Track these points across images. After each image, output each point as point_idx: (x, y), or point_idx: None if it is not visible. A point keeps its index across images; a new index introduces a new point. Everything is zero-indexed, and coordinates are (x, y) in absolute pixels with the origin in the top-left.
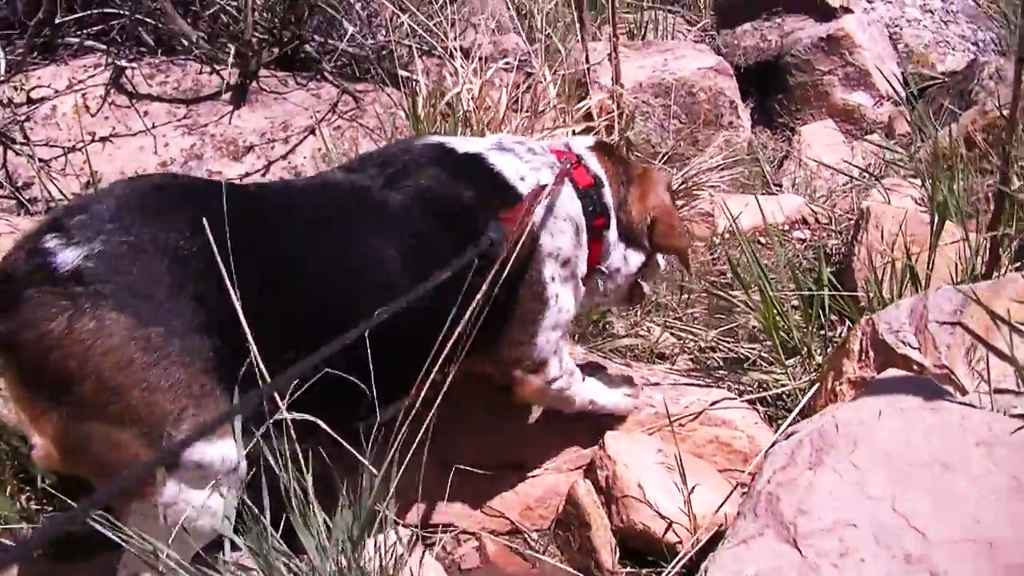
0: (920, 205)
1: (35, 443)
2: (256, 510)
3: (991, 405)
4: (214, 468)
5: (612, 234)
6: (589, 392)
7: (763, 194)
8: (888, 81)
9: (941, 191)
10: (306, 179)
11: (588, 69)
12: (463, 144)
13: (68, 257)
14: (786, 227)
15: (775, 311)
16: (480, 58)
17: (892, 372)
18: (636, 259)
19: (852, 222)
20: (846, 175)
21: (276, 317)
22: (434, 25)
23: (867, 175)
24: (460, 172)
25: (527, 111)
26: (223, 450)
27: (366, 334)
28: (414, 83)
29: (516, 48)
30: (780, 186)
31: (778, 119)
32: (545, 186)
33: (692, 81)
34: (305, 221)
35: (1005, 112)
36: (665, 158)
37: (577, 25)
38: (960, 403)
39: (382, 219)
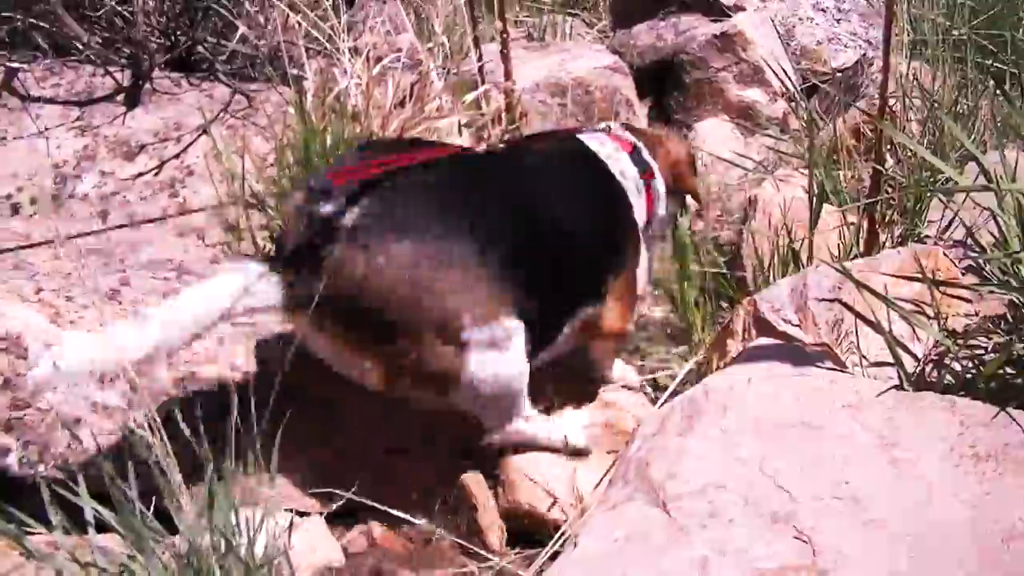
0: (808, 193)
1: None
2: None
3: (866, 377)
4: (507, 336)
5: (660, 185)
6: None
7: None
8: (780, 78)
9: (818, 176)
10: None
11: (481, 67)
12: None
13: (349, 215)
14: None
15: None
16: (371, 57)
17: (762, 341)
18: (670, 205)
19: (748, 197)
20: (740, 168)
21: (520, 243)
22: (328, 27)
23: (761, 168)
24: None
25: (414, 104)
26: (508, 322)
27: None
28: (304, 81)
29: (410, 47)
30: None
31: (675, 116)
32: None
33: (588, 80)
34: (524, 173)
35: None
36: None
37: (468, 25)
38: (829, 369)
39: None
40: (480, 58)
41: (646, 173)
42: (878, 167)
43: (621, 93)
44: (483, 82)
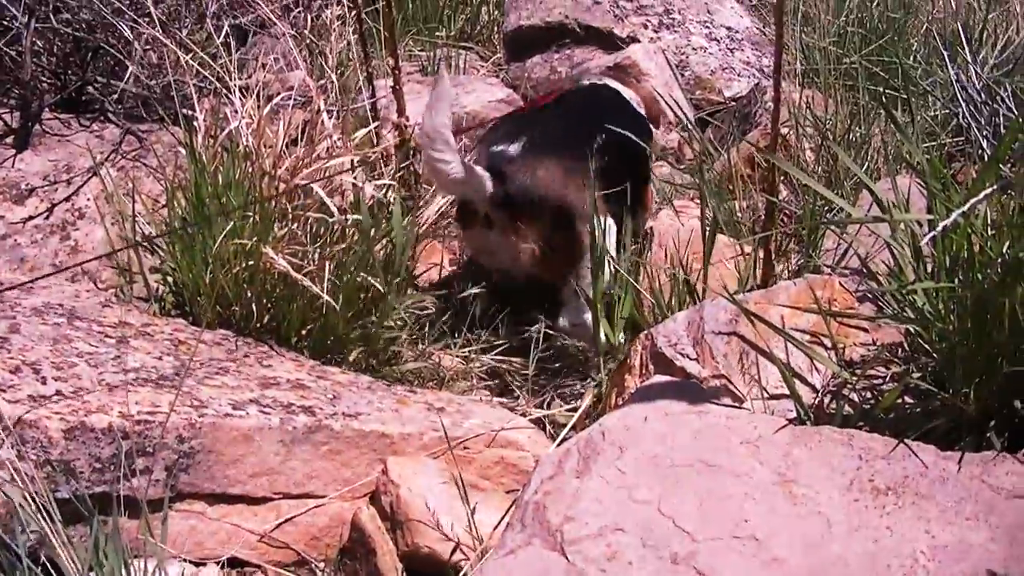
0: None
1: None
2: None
3: (765, 411)
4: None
5: None
6: None
7: None
8: (672, 109)
9: (712, 207)
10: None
11: (375, 103)
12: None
13: (512, 149)
14: None
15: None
16: (263, 95)
17: (659, 378)
18: None
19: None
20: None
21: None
22: (219, 65)
23: (657, 198)
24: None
25: (305, 143)
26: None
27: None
28: (194, 121)
29: (302, 84)
30: None
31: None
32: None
33: (483, 114)
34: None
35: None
36: None
37: (357, 61)
38: (727, 405)
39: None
40: (373, 94)
41: None
42: (771, 199)
43: None
44: (376, 118)
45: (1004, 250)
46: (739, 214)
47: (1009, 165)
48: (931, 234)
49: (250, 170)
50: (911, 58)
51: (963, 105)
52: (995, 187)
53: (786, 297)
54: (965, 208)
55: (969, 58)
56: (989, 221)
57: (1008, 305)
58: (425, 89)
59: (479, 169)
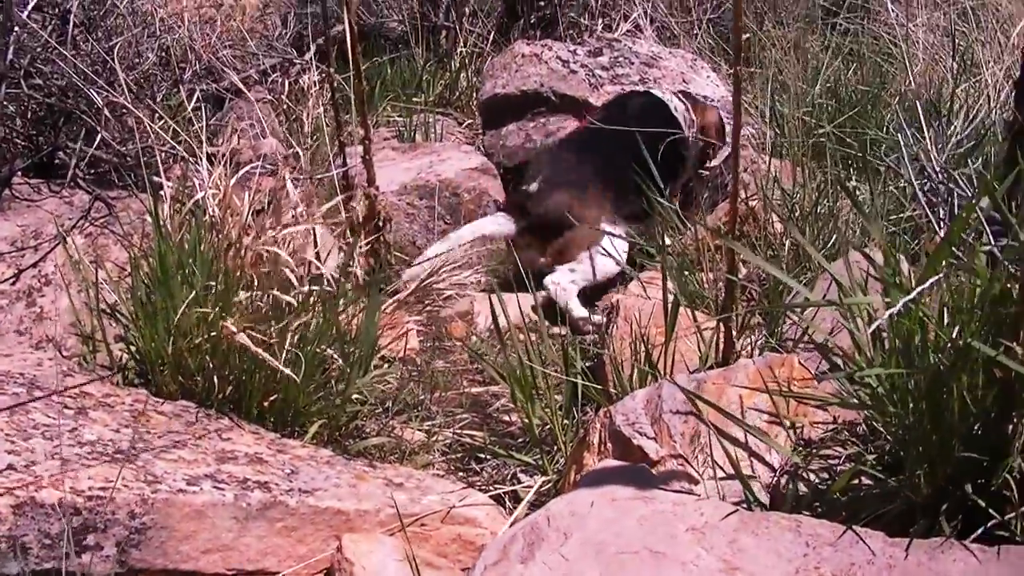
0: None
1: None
2: None
3: (719, 492)
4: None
5: None
6: None
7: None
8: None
9: (675, 283)
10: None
11: (346, 172)
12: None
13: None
14: (547, 323)
15: (530, 406)
16: (233, 163)
17: (607, 463)
18: None
19: (609, 305)
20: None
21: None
22: (191, 132)
23: (626, 269)
24: None
25: (272, 213)
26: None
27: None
28: (161, 189)
29: (274, 152)
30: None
31: None
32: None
33: (456, 182)
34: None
35: (752, 203)
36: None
37: (328, 128)
38: (676, 491)
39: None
40: (345, 163)
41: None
42: (731, 278)
43: (489, 195)
44: (348, 188)
45: (955, 335)
46: (706, 287)
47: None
48: (876, 323)
49: (215, 240)
50: (883, 129)
51: (919, 191)
52: (942, 274)
53: (745, 376)
54: (913, 295)
55: (930, 138)
56: (944, 302)
57: (960, 390)
58: (400, 156)
59: None
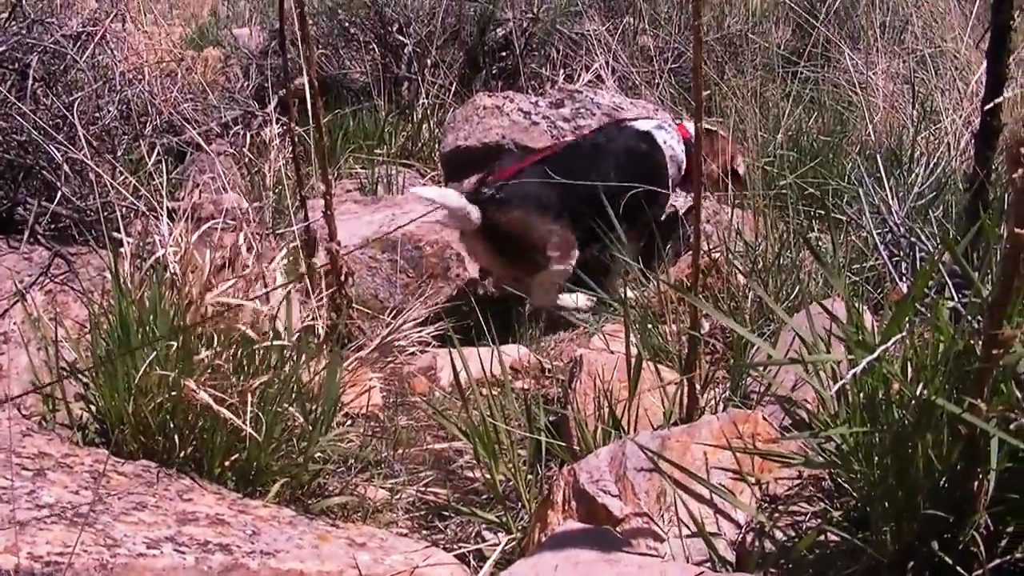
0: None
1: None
2: None
3: (684, 551)
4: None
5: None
6: None
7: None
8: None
9: (637, 337)
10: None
11: (308, 227)
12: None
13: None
14: (510, 377)
15: (493, 464)
16: (194, 218)
17: (571, 525)
18: None
19: (572, 359)
20: (569, 322)
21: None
22: (152, 186)
23: (589, 322)
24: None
25: (232, 270)
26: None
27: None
28: (122, 247)
29: (235, 207)
30: (502, 339)
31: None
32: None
33: (419, 235)
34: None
35: (715, 255)
36: (394, 312)
37: (290, 181)
38: (641, 553)
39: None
40: (307, 217)
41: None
42: (694, 333)
43: (451, 248)
44: (311, 242)
45: (919, 391)
46: (670, 340)
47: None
48: (840, 383)
49: (175, 298)
50: (844, 179)
51: (881, 244)
52: (904, 334)
53: (709, 432)
54: (876, 354)
55: (891, 188)
56: (908, 358)
57: (925, 447)
58: (362, 209)
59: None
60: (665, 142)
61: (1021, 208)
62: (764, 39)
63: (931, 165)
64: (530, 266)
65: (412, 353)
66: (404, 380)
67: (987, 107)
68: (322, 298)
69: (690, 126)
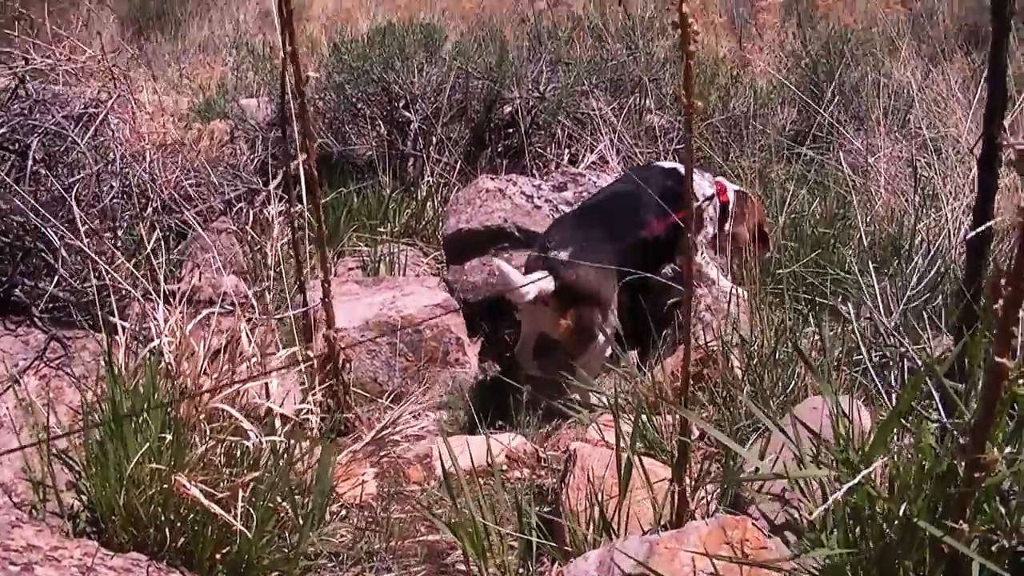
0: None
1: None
2: None
3: None
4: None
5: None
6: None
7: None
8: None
9: (626, 428)
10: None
11: (307, 311)
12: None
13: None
14: (505, 467)
15: (482, 563)
16: (193, 300)
17: None
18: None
19: (567, 452)
20: (563, 412)
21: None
22: (152, 267)
23: (583, 411)
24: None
25: (229, 358)
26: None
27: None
28: (117, 334)
29: (235, 290)
30: (499, 426)
31: (507, 353)
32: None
33: (419, 319)
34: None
35: (711, 346)
36: (391, 396)
37: (294, 269)
38: None
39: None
40: (305, 302)
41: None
42: (683, 439)
43: (451, 332)
44: (309, 327)
45: (903, 510)
46: (664, 433)
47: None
48: (823, 507)
49: (170, 386)
50: (844, 267)
51: (867, 355)
52: (888, 455)
53: (697, 539)
54: (859, 479)
55: (884, 290)
56: (893, 476)
57: (907, 566)
58: (363, 290)
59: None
60: (695, 181)
61: (1003, 338)
62: (769, 121)
63: (931, 254)
64: (589, 332)
65: (407, 439)
66: (399, 468)
67: (976, 230)
68: (318, 385)
69: (728, 185)
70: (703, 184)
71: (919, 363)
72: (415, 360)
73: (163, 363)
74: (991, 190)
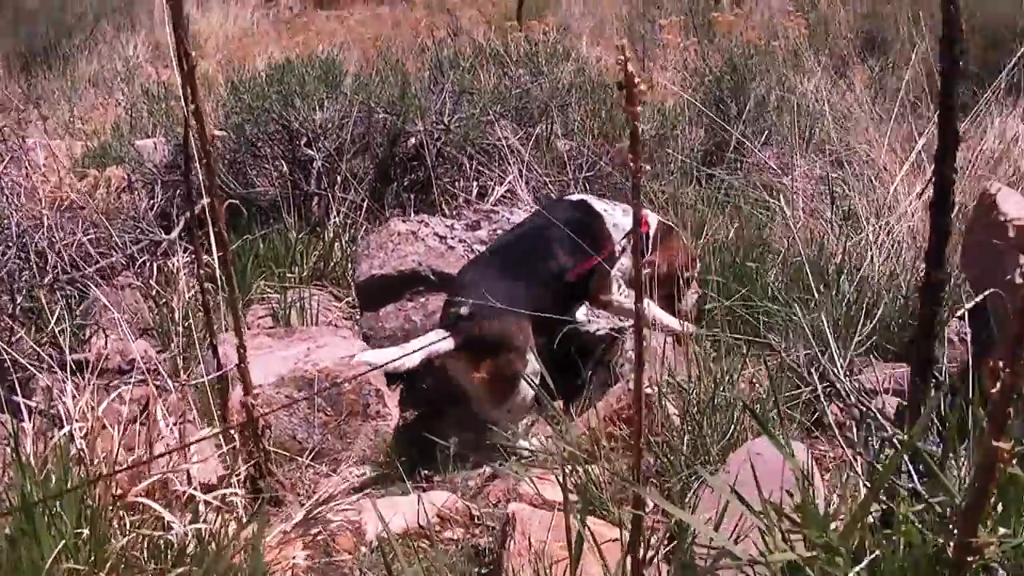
0: (572, 494)
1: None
2: None
3: None
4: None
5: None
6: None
7: (411, 491)
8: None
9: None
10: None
11: (221, 375)
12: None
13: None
14: (438, 527)
15: None
16: (101, 371)
17: None
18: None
19: (504, 515)
20: (491, 466)
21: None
22: (50, 336)
23: (514, 465)
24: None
25: (143, 442)
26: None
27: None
28: (22, 422)
29: (145, 356)
30: (427, 479)
31: (427, 402)
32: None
33: (336, 371)
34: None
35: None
36: (312, 454)
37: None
38: None
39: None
40: (219, 365)
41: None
42: (637, 512)
43: (370, 383)
44: (224, 390)
45: None
46: (603, 484)
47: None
48: None
49: (82, 474)
50: (768, 293)
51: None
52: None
53: None
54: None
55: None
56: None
57: None
58: (276, 343)
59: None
60: (605, 210)
61: (999, 421)
62: (678, 143)
63: (857, 280)
64: (507, 382)
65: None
66: (328, 536)
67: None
68: (239, 458)
69: (651, 216)
70: (624, 218)
71: (871, 412)
72: (335, 415)
73: (75, 449)
74: (945, 234)
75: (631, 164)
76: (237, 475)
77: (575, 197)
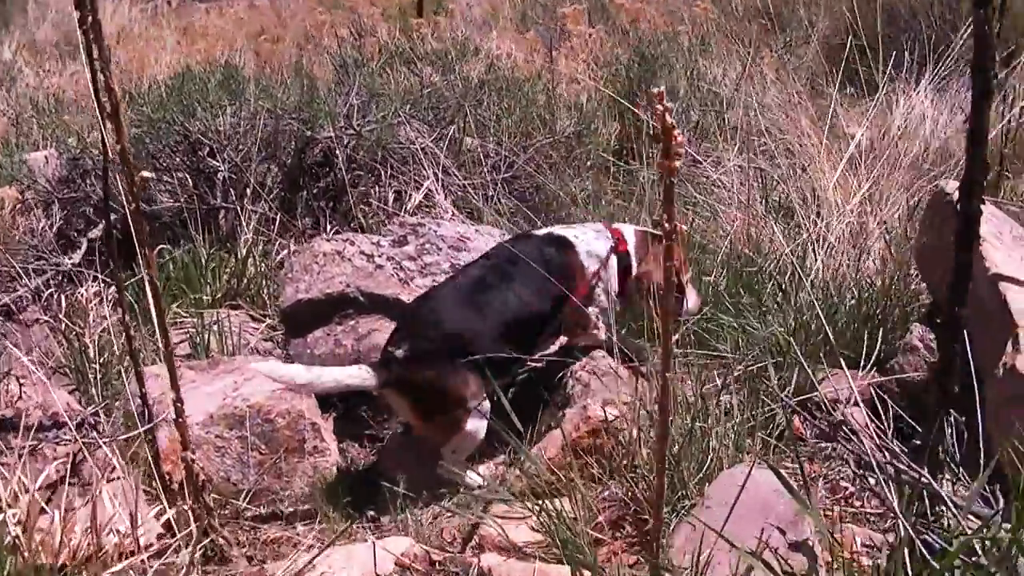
0: (538, 532)
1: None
2: None
3: None
4: (485, 412)
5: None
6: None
7: (363, 540)
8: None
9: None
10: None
11: (151, 430)
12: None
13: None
14: None
15: None
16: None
17: None
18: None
19: (473, 566)
20: (443, 506)
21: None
22: None
23: (475, 502)
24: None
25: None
26: (486, 405)
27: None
28: None
29: (68, 409)
30: (377, 520)
31: (367, 431)
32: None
33: (267, 406)
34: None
35: (609, 413)
36: (249, 496)
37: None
38: None
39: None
40: (150, 416)
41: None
42: None
43: (305, 417)
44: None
45: None
46: (573, 519)
47: None
48: None
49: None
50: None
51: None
52: None
53: None
54: None
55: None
56: None
57: None
58: (199, 376)
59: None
60: (576, 237)
61: None
62: (593, 138)
63: (816, 286)
64: (449, 425)
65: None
66: None
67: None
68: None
69: (626, 229)
70: (597, 243)
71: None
72: (270, 452)
73: (8, 538)
74: (967, 269)
75: (665, 224)
76: (183, 551)
77: (542, 232)
